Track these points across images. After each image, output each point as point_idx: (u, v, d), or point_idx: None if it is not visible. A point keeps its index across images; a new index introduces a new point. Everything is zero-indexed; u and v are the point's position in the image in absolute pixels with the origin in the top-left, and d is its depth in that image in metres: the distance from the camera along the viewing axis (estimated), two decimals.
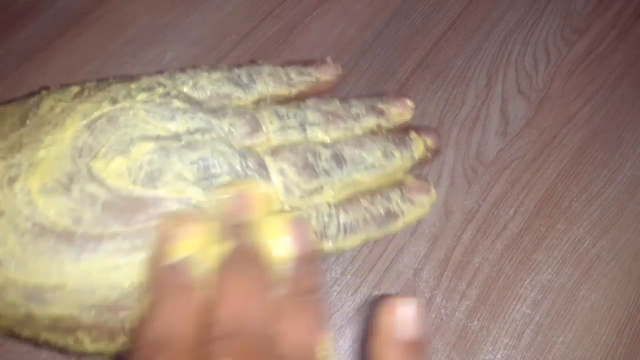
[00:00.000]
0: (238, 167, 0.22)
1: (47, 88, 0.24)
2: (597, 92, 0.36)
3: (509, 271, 0.31)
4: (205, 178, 0.21)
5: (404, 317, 0.17)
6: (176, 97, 0.23)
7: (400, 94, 0.27)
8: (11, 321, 0.21)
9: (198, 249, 0.19)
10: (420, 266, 0.31)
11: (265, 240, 0.19)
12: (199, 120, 0.22)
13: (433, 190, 0.26)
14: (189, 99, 0.23)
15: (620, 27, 0.38)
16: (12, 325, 0.21)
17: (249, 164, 0.22)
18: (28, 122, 0.21)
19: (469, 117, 0.35)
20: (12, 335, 0.22)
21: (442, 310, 0.30)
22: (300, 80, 0.26)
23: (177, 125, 0.22)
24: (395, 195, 0.24)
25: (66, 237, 0.20)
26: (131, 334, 0.20)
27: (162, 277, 0.18)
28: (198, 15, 0.37)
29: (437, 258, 0.31)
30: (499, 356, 0.29)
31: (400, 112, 0.26)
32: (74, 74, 0.35)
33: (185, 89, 0.23)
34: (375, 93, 0.27)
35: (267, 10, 0.37)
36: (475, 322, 0.30)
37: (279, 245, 0.19)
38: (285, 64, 0.27)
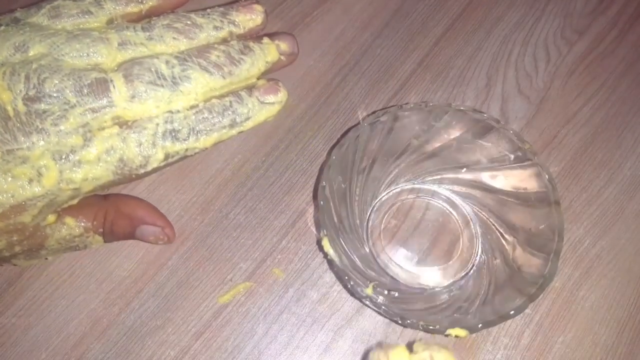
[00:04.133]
0: (68, 90, 0.23)
1: None
2: (597, 92, 0.36)
3: None
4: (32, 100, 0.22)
5: None
6: (23, 25, 0.24)
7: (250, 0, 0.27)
8: None
9: None
10: None
11: None
12: (38, 44, 0.23)
13: (283, 90, 0.26)
14: (36, 26, 0.24)
15: (620, 27, 0.38)
16: None
17: (85, 82, 0.23)
18: None
19: None
20: None
21: None
22: None
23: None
24: (245, 96, 0.25)
25: None
26: None
27: None
28: None
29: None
30: (499, 356, 0.29)
31: (250, 17, 0.27)
32: None
33: (43, 21, 0.25)
34: (228, 2, 0.27)
35: (267, 10, 0.37)
36: None
37: None
38: None
